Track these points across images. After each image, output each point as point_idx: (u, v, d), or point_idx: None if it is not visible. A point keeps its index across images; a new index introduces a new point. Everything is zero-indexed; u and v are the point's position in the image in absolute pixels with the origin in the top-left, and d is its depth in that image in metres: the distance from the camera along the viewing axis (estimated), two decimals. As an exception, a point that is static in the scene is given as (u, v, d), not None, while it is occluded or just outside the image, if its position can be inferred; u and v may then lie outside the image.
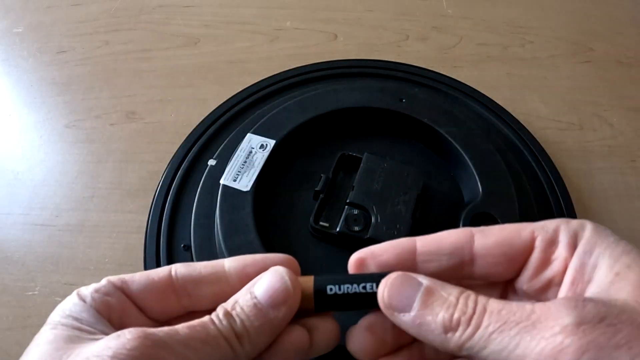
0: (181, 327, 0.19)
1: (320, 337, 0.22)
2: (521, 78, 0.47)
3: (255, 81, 0.47)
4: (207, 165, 0.38)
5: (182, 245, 0.36)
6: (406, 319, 0.19)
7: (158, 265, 0.36)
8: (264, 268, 0.22)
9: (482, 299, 0.18)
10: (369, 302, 0.21)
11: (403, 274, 0.20)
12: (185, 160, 0.41)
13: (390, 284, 0.20)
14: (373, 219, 0.33)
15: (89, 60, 0.51)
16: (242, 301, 0.20)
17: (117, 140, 0.45)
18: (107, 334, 0.19)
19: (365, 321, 0.22)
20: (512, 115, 0.43)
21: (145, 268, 0.36)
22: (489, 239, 0.21)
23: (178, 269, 0.22)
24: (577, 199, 0.39)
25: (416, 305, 0.19)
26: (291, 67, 0.48)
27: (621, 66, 0.48)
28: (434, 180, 0.38)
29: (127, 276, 0.22)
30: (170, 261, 0.36)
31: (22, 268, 0.39)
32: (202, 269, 0.22)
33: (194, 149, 0.41)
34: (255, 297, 0.20)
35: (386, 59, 0.48)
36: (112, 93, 0.48)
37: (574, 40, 0.50)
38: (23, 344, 0.35)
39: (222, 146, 0.39)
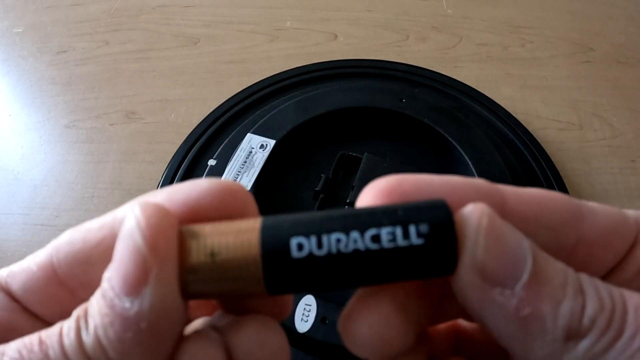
0: (11, 346, 0.12)
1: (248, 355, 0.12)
2: (521, 78, 0.47)
3: (255, 81, 0.47)
4: (207, 165, 0.38)
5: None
6: (506, 303, 0.10)
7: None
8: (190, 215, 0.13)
9: (612, 287, 0.11)
10: (394, 272, 0.11)
11: (495, 215, 0.11)
12: (185, 160, 0.41)
13: (489, 226, 0.11)
14: None
15: (89, 60, 0.51)
16: (92, 297, 0.12)
17: (117, 140, 0.45)
18: None
19: (396, 297, 0.12)
20: (512, 115, 0.43)
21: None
22: (599, 220, 0.13)
23: (60, 247, 0.13)
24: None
25: (525, 278, 0.10)
26: (291, 67, 0.48)
27: (621, 66, 0.48)
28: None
29: (13, 269, 0.14)
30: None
31: (22, 268, 0.39)
32: (86, 234, 0.13)
33: (194, 149, 0.41)
34: (107, 280, 0.11)
35: (386, 59, 0.48)
36: (112, 93, 0.48)
37: (574, 40, 0.50)
38: (23, 344, 0.35)
39: (222, 146, 0.39)
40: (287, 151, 0.38)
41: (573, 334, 0.10)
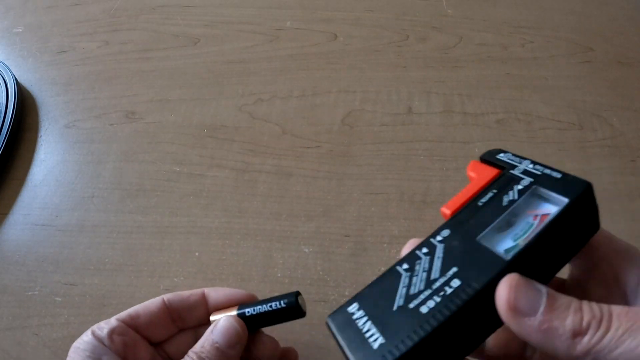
0: None
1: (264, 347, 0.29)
2: (521, 78, 0.47)
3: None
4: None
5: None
6: (532, 324, 0.18)
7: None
8: (231, 300, 0.29)
9: (603, 305, 0.18)
10: (277, 318, 0.27)
11: (521, 276, 0.19)
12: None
13: (515, 285, 0.18)
14: None
15: (89, 60, 0.51)
16: (207, 345, 0.26)
17: (117, 140, 0.45)
18: None
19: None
20: None
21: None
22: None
23: (170, 298, 0.28)
24: (577, 199, 0.39)
25: (542, 309, 0.18)
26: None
27: (621, 66, 0.48)
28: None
29: (131, 312, 0.27)
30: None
31: (22, 268, 0.39)
32: (189, 297, 0.29)
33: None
34: (216, 342, 0.26)
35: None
36: (112, 93, 0.48)
37: (574, 40, 0.50)
38: (23, 344, 0.36)
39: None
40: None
41: (577, 334, 0.17)
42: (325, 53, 0.50)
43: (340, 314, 0.19)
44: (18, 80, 0.49)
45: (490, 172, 0.22)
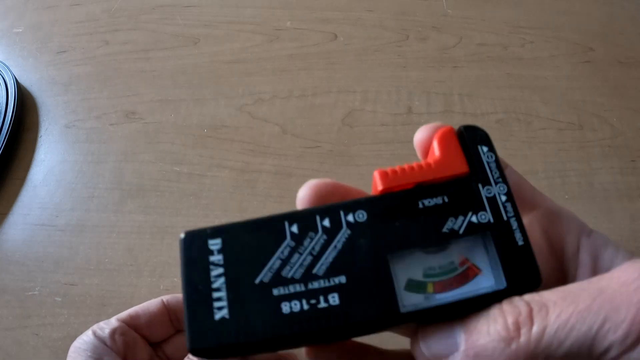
0: None
1: None
2: (521, 78, 0.47)
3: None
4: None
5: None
6: (462, 358, 0.16)
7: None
8: None
9: (533, 295, 0.15)
10: None
11: (424, 328, 0.17)
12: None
13: (422, 335, 0.17)
14: None
15: (89, 60, 0.51)
16: None
17: (117, 140, 0.45)
18: None
19: None
20: None
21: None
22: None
23: (169, 299, 0.29)
24: (577, 199, 0.39)
25: (461, 339, 0.16)
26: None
27: (621, 66, 0.48)
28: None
29: (132, 313, 0.27)
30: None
31: (22, 268, 0.39)
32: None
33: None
34: None
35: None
36: (112, 93, 0.48)
37: (574, 40, 0.50)
38: (23, 344, 0.36)
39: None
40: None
41: (509, 339, 0.15)
42: (325, 53, 0.49)
43: (198, 243, 0.16)
44: (18, 80, 0.49)
45: (456, 165, 0.17)
